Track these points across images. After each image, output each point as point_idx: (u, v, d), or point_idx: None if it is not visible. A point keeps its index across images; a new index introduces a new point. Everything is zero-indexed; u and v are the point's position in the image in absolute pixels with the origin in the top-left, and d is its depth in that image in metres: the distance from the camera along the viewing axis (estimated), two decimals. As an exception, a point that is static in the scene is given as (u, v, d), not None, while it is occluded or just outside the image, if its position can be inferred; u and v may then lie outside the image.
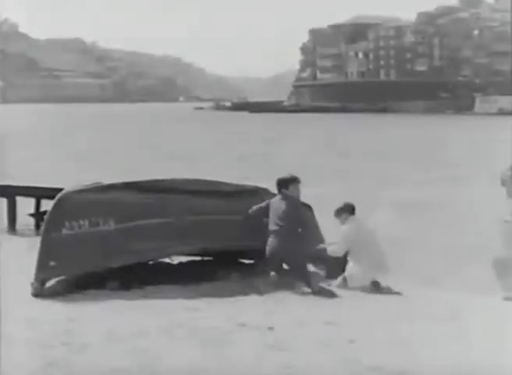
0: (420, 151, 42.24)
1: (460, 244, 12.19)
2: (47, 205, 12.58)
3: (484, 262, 10.36)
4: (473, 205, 15.17)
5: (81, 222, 9.99)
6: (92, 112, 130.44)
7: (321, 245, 10.78)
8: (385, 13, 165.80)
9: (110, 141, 52.91)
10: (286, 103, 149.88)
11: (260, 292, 9.82)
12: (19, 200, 15.57)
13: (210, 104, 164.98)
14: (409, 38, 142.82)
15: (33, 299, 9.60)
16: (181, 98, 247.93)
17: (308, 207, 11.30)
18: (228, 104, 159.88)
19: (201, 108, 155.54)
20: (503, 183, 10.20)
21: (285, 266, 10.29)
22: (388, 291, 10.06)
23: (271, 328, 8.27)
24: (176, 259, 11.32)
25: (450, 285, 10.67)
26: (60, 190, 10.55)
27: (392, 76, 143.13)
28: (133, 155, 39.54)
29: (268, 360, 7.25)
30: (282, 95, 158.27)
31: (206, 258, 11.48)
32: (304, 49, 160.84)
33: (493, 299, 9.51)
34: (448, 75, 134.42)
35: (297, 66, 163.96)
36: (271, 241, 10.08)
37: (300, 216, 10.47)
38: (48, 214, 10.19)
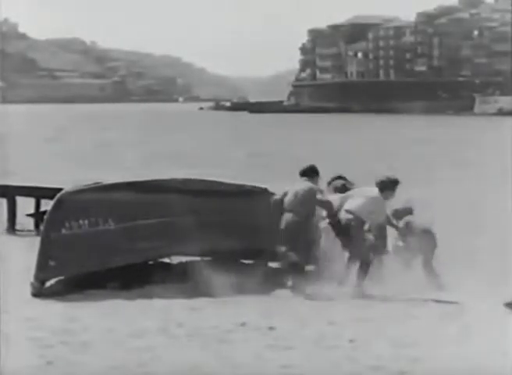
0: (420, 151, 42.24)
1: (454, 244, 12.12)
2: (46, 205, 12.57)
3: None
4: (472, 206, 15.16)
5: (81, 222, 10.00)
6: (93, 112, 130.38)
7: None
8: (384, 13, 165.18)
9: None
10: (285, 103, 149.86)
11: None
12: (19, 200, 15.56)
13: (210, 104, 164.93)
14: (408, 38, 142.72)
15: (33, 299, 9.60)
16: (180, 99, 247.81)
17: None
18: (227, 104, 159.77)
19: (202, 109, 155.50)
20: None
21: None
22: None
23: (271, 328, 8.27)
24: (176, 259, 11.30)
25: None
26: (60, 190, 10.55)
27: (392, 77, 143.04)
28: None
29: (268, 360, 7.25)
30: (282, 95, 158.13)
31: (205, 259, 11.47)
32: (303, 49, 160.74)
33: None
34: (448, 75, 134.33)
35: (297, 66, 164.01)
36: None
37: None
38: (47, 214, 10.19)
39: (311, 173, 10.63)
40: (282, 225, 10.37)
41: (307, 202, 10.34)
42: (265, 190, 11.17)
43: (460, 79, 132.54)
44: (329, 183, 11.10)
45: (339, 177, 11.19)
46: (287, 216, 10.37)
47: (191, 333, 8.09)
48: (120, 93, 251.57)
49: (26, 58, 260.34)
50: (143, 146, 46.23)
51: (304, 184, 10.50)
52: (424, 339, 7.92)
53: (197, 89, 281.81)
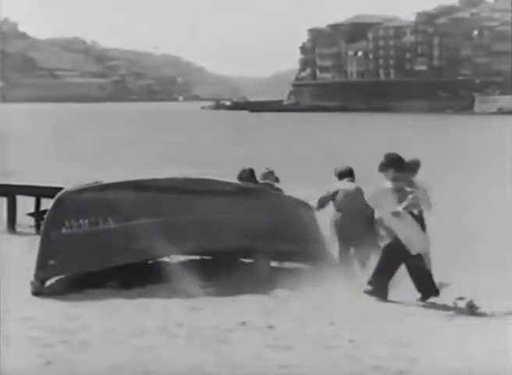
0: (420, 151, 42.23)
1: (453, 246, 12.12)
2: (47, 204, 12.57)
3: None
4: (474, 206, 15.17)
5: (81, 221, 9.99)
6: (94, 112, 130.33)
7: None
8: (384, 13, 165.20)
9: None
10: (285, 102, 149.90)
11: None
12: (19, 199, 15.56)
13: (210, 103, 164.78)
14: (408, 38, 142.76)
15: (33, 298, 9.59)
16: (181, 98, 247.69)
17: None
18: (228, 103, 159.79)
19: (204, 108, 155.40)
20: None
21: None
22: None
23: (271, 328, 8.27)
24: (176, 259, 11.30)
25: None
26: (60, 189, 10.54)
27: (392, 76, 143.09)
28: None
29: (268, 360, 7.24)
30: (282, 95, 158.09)
31: (205, 258, 11.47)
32: (303, 49, 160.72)
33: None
34: (448, 75, 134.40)
35: (297, 66, 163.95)
36: None
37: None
38: (47, 213, 10.18)
39: (350, 174, 11.02)
40: (337, 223, 10.72)
41: (360, 201, 10.59)
42: (266, 189, 11.19)
43: (460, 78, 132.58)
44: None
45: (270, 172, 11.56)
46: (340, 215, 10.72)
47: (191, 332, 8.09)
48: (120, 92, 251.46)
49: (27, 58, 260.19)
50: (143, 145, 46.22)
51: (351, 184, 10.85)
52: (424, 339, 7.92)
53: (197, 88, 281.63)
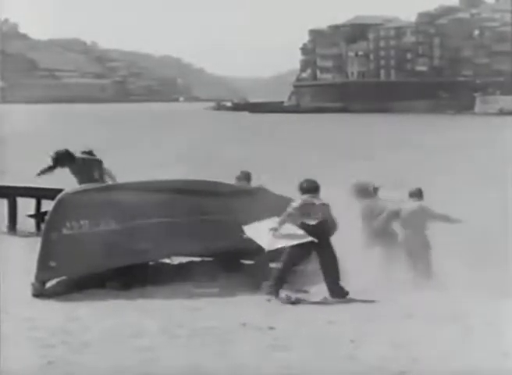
0: (420, 151, 42.20)
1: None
2: (48, 205, 12.58)
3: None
4: (474, 206, 15.17)
5: (81, 222, 9.99)
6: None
7: None
8: (385, 13, 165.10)
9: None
10: (286, 103, 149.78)
11: None
12: (20, 200, 15.57)
13: (211, 104, 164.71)
14: (409, 38, 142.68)
15: (34, 299, 9.60)
16: (181, 99, 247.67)
17: None
18: (228, 104, 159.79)
19: (206, 109, 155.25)
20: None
21: None
22: None
23: (271, 328, 8.27)
24: (176, 260, 11.32)
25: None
26: (60, 190, 10.56)
27: (393, 77, 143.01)
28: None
29: (269, 360, 7.25)
30: (283, 96, 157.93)
31: (206, 259, 11.48)
32: (304, 49, 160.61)
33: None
34: (448, 75, 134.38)
35: (298, 67, 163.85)
36: None
37: None
38: (48, 214, 10.18)
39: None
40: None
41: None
42: (265, 190, 11.20)
43: (461, 79, 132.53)
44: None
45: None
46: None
47: (191, 333, 8.10)
48: (121, 93, 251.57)
49: (27, 59, 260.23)
50: (144, 145, 46.18)
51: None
52: (424, 339, 7.92)
53: (198, 89, 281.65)
